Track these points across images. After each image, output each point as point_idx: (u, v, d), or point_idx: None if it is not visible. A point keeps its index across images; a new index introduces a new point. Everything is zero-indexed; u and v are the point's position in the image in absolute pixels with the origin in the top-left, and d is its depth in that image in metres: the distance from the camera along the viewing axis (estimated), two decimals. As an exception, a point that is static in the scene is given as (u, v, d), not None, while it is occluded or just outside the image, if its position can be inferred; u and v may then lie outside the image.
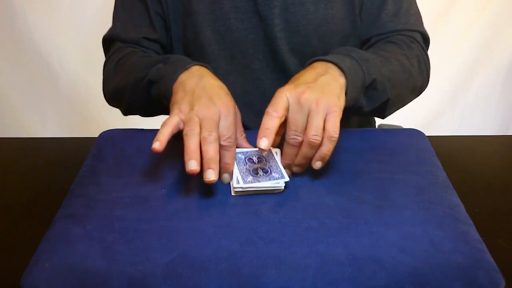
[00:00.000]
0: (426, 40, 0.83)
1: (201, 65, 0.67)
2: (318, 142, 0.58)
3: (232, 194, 0.60)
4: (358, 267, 0.49)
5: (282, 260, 0.50)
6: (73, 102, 1.81)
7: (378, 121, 1.02)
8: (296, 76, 0.63)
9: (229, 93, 0.65)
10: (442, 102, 1.83)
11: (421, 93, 0.82)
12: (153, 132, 0.74)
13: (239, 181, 0.59)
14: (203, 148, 0.57)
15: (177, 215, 0.56)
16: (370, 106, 0.71)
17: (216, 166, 0.56)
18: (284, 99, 0.59)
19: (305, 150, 0.59)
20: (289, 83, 0.62)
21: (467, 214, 0.57)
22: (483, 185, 0.74)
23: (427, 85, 0.83)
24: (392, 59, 0.73)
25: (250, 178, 0.59)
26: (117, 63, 0.80)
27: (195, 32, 0.80)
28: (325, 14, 0.78)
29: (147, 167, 0.66)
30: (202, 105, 0.60)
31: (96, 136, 0.75)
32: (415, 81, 0.77)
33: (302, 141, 0.59)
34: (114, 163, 0.67)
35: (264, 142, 0.57)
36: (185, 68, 0.65)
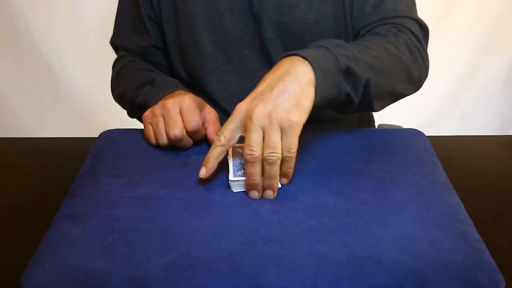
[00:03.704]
0: (423, 28, 0.78)
1: (184, 90, 0.73)
2: (276, 158, 0.55)
3: (232, 189, 0.60)
4: (358, 267, 0.49)
5: (282, 260, 0.50)
6: (73, 102, 1.81)
7: (378, 121, 1.02)
8: (260, 81, 0.60)
9: (198, 98, 0.70)
10: (442, 102, 1.83)
11: (421, 84, 0.77)
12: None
13: (230, 174, 0.60)
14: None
15: (177, 215, 0.56)
16: (357, 94, 0.64)
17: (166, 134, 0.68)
18: (235, 120, 0.57)
19: (266, 168, 0.56)
20: (250, 93, 0.59)
21: (467, 214, 0.57)
22: (483, 185, 0.74)
23: (426, 76, 0.77)
24: (374, 46, 0.68)
25: (241, 172, 0.60)
26: (118, 72, 0.85)
27: (191, 34, 0.80)
28: (319, 13, 0.77)
29: (147, 167, 0.66)
30: (164, 104, 0.68)
31: (96, 136, 0.75)
32: (409, 68, 0.72)
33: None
34: (114, 163, 0.67)
35: (202, 171, 0.59)
36: (166, 92, 0.72)
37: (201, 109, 0.70)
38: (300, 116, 0.56)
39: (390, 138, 0.72)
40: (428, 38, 0.79)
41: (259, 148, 0.56)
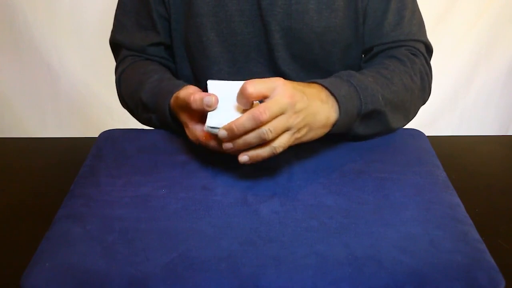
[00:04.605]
0: (429, 50, 0.82)
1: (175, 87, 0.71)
2: (266, 137, 0.56)
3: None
4: (358, 267, 0.49)
5: (282, 260, 0.50)
6: (73, 102, 1.81)
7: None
8: (295, 80, 0.62)
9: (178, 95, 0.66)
10: (442, 102, 1.83)
11: (423, 105, 0.81)
12: (153, 132, 0.75)
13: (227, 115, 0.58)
14: None
15: (177, 215, 0.56)
16: (368, 133, 0.70)
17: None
18: (281, 108, 0.56)
19: (252, 135, 0.56)
20: (289, 82, 0.59)
21: (467, 214, 0.57)
22: (483, 185, 0.74)
23: (428, 98, 0.81)
24: (395, 78, 0.71)
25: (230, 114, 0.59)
26: (121, 74, 0.83)
27: (198, 34, 0.79)
28: (329, 23, 0.77)
29: (147, 167, 0.66)
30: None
31: (96, 136, 0.75)
32: (418, 97, 0.76)
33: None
34: (114, 163, 0.67)
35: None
36: (168, 110, 0.70)
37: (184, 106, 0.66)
38: (304, 137, 0.60)
39: (390, 138, 0.72)
40: (431, 58, 0.82)
41: (270, 118, 0.55)
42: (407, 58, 0.76)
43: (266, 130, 0.55)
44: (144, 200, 0.59)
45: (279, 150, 0.58)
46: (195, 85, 0.81)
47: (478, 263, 0.50)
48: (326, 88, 0.63)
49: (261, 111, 0.55)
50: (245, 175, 0.63)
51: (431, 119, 1.85)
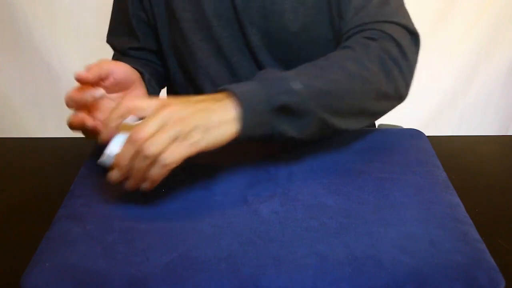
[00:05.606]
0: (411, 33, 0.71)
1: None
2: (150, 152, 0.52)
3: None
4: (358, 267, 0.49)
5: (282, 260, 0.50)
6: (73, 102, 1.81)
7: (378, 121, 1.02)
8: (190, 97, 0.58)
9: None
10: (442, 102, 1.83)
11: (402, 96, 0.69)
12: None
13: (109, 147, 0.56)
14: None
15: (177, 215, 0.56)
16: (304, 134, 0.62)
17: None
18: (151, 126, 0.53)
19: (138, 159, 0.53)
20: (178, 101, 0.56)
21: (467, 214, 0.57)
22: (483, 185, 0.74)
23: (406, 88, 0.70)
24: (333, 67, 0.63)
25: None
26: None
27: (184, 40, 0.80)
28: (305, 21, 0.76)
29: (147, 167, 0.66)
30: None
31: (96, 136, 0.75)
32: (378, 86, 0.65)
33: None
34: (114, 163, 0.67)
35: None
36: None
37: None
38: (201, 141, 0.55)
39: (390, 138, 0.72)
40: (418, 44, 0.72)
41: (148, 134, 0.52)
42: (359, 44, 0.67)
43: (146, 146, 0.52)
44: (144, 200, 0.59)
45: (169, 160, 0.52)
46: (189, 91, 0.83)
47: (478, 263, 0.50)
48: (227, 89, 0.58)
49: (135, 130, 0.52)
50: (245, 175, 0.63)
51: (431, 119, 1.85)
